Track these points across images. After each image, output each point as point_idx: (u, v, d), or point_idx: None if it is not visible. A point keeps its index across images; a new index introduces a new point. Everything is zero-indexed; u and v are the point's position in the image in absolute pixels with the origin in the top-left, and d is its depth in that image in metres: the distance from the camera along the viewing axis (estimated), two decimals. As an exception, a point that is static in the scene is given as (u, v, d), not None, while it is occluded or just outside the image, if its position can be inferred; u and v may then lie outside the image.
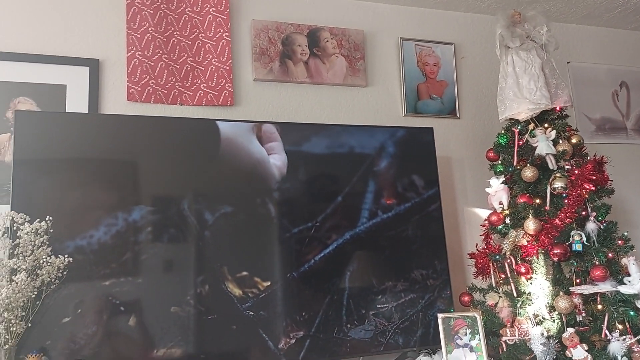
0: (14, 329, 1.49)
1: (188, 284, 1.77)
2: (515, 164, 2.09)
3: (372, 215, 2.03)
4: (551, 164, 2.03)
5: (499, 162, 2.16)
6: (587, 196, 1.95)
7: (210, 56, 2.24)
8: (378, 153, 2.11)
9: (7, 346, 1.49)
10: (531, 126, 2.09)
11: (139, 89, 2.12)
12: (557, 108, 2.13)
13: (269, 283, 1.86)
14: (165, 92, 2.16)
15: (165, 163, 1.84)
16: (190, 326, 1.74)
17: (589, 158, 2.06)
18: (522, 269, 1.93)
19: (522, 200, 2.00)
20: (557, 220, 1.93)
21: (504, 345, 1.89)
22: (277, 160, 1.96)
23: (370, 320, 1.95)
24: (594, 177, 1.96)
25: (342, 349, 1.90)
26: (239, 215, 1.88)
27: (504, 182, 2.08)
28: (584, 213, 1.95)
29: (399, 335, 1.97)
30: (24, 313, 1.51)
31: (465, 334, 1.85)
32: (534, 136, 2.07)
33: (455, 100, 2.58)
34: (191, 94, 2.20)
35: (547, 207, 1.99)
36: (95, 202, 1.72)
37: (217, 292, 1.79)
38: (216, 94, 2.22)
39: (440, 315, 1.88)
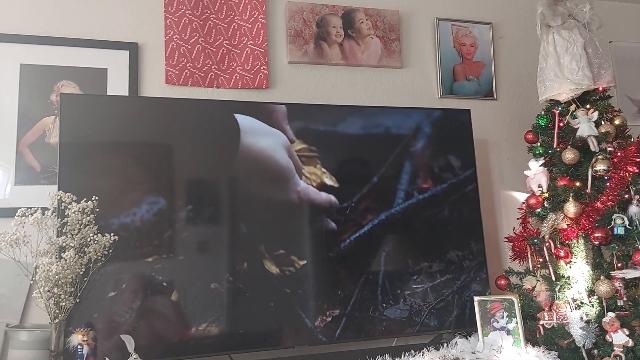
0: (64, 304, 1.55)
1: (227, 261, 1.81)
2: (555, 146, 2.05)
3: (407, 196, 2.03)
4: (593, 146, 1.99)
5: (538, 144, 2.13)
6: (630, 179, 1.90)
7: (246, 39, 2.26)
8: (414, 134, 2.09)
9: (57, 320, 1.56)
10: (572, 107, 2.05)
11: (177, 72, 2.15)
12: (600, 89, 2.07)
13: (305, 262, 1.88)
14: (202, 75, 2.18)
15: (203, 144, 1.87)
16: (230, 302, 1.78)
17: (632, 140, 2.01)
18: (562, 253, 1.90)
19: (562, 183, 1.97)
20: (598, 204, 1.89)
21: (541, 329, 1.87)
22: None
23: (405, 300, 1.96)
24: (638, 160, 1.91)
25: (378, 328, 1.91)
26: (275, 194, 1.90)
27: (543, 165, 2.05)
28: (626, 196, 1.90)
29: (434, 316, 1.97)
30: (72, 289, 1.57)
31: (502, 317, 1.85)
32: (575, 117, 2.02)
33: (492, 82, 2.53)
34: (227, 76, 2.22)
35: (589, 190, 1.95)
36: (137, 181, 1.77)
37: (255, 270, 1.82)
38: (251, 76, 2.24)
39: (476, 298, 1.88)
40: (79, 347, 1.52)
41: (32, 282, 1.58)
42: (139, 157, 1.80)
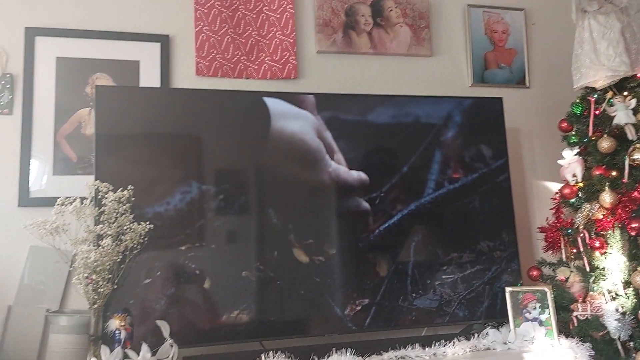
0: (102, 290, 1.59)
1: (257, 250, 1.83)
2: (590, 134, 2.00)
3: (438, 185, 2.01)
4: (630, 134, 1.93)
5: (573, 132, 2.08)
6: (669, 168, 1.85)
7: (274, 29, 2.26)
8: (445, 123, 2.07)
9: (96, 306, 1.60)
10: (609, 94, 2.00)
11: (207, 64, 2.17)
12: (638, 75, 2.01)
13: (335, 251, 1.89)
14: (232, 66, 2.20)
15: (233, 132, 1.89)
16: (260, 290, 1.81)
17: (671, 127, 1.95)
18: (597, 244, 1.86)
19: (597, 173, 1.93)
20: (635, 193, 1.85)
21: (575, 321, 1.85)
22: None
23: (435, 291, 1.95)
24: (678, 148, 1.86)
25: (408, 317, 1.91)
26: (305, 184, 1.91)
27: (578, 154, 2.01)
28: (665, 186, 1.85)
29: (465, 306, 1.96)
30: (110, 275, 1.61)
31: (535, 308, 1.83)
32: (612, 105, 1.97)
33: (524, 69, 2.48)
34: (256, 67, 2.23)
35: (625, 180, 1.90)
36: (170, 171, 1.80)
37: (285, 259, 1.84)
38: (280, 67, 2.24)
39: (508, 289, 1.86)
40: (116, 331, 1.56)
41: (71, 269, 1.63)
42: (171, 147, 1.83)
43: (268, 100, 1.93)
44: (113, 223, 1.62)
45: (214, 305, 1.77)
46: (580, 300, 1.85)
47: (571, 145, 2.05)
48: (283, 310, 1.82)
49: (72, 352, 1.71)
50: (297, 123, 1.93)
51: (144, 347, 1.52)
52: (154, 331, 1.63)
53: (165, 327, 1.62)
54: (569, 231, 1.95)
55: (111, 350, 1.50)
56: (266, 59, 2.24)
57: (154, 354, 1.55)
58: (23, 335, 1.79)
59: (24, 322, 1.80)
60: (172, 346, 1.60)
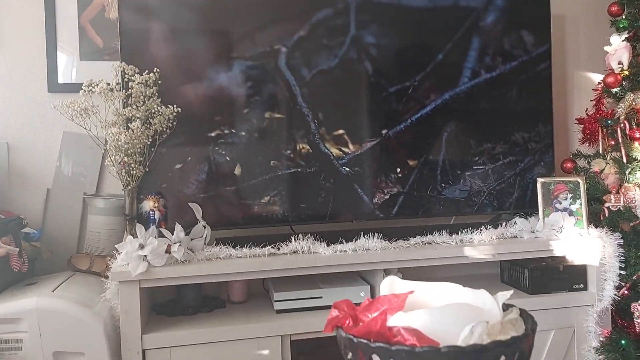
0: (134, 172, 1.62)
1: (287, 139, 1.82)
2: (643, 17, 1.85)
3: (474, 74, 1.93)
4: (687, 16, 1.78)
5: (623, 16, 1.93)
6: None
7: None
8: (485, 6, 1.94)
9: (129, 187, 1.64)
10: (667, -28, 1.81)
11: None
12: None
13: (364, 141, 1.87)
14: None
15: (264, 17, 1.81)
16: (290, 179, 1.82)
17: None
18: (637, 134, 1.79)
19: (646, 59, 1.81)
20: (685, 81, 1.74)
21: (606, 211, 1.83)
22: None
23: (465, 181, 1.93)
24: None
25: (436, 206, 1.92)
26: (335, 72, 1.85)
27: (627, 40, 1.87)
28: None
29: (494, 197, 1.95)
30: (141, 158, 1.63)
31: (566, 199, 1.80)
32: (670, -16, 1.80)
33: (576, -52, 2.26)
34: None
35: (676, 67, 1.78)
36: (198, 55, 1.76)
37: (314, 148, 1.83)
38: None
39: (540, 180, 1.83)
40: (151, 212, 1.61)
41: (103, 151, 1.66)
42: (198, 30, 1.77)
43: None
44: (141, 106, 1.62)
45: (245, 191, 1.80)
46: (613, 192, 1.81)
47: (620, 31, 1.91)
48: (312, 198, 1.84)
49: (110, 233, 1.79)
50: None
51: (178, 227, 1.57)
52: (187, 215, 1.68)
53: (197, 209, 1.66)
54: (609, 122, 1.87)
55: (146, 229, 1.55)
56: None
57: (187, 234, 1.61)
58: (63, 217, 1.87)
59: (62, 205, 1.88)
60: (205, 227, 1.65)
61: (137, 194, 1.67)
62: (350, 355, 0.73)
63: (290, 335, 1.61)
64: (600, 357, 1.69)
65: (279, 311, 1.67)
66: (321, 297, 1.69)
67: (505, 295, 0.76)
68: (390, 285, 0.80)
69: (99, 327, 1.42)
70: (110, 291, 1.51)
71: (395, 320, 0.71)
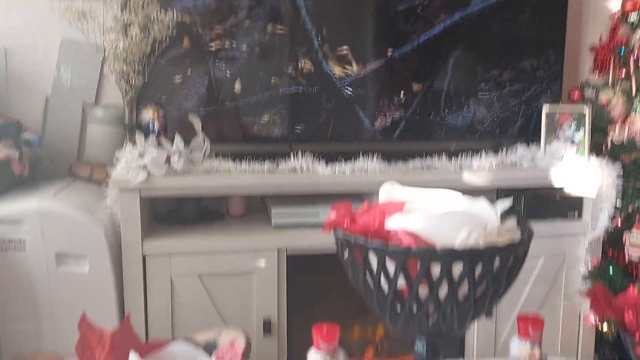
0: (133, 81, 1.60)
1: (289, 55, 1.77)
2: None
3: (487, -6, 1.85)
4: None
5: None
6: None
7: None
8: None
9: (128, 97, 1.62)
10: None
11: None
12: None
13: (369, 62, 1.82)
14: None
15: None
16: (291, 98, 1.79)
17: None
18: (649, 64, 1.74)
19: (667, -15, 1.73)
20: None
21: (608, 143, 1.81)
22: None
23: (469, 107, 1.90)
24: None
25: (437, 132, 1.90)
26: (343, -14, 1.77)
27: (650, -36, 1.78)
28: None
29: (497, 125, 1.93)
30: (140, 67, 1.60)
31: (570, 127, 1.79)
32: None
33: None
34: None
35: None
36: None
37: (316, 67, 1.79)
38: None
39: (545, 106, 1.81)
40: (150, 122, 1.59)
41: (102, 58, 1.63)
42: None
43: None
44: (140, 11, 1.56)
45: (244, 107, 1.77)
46: (619, 123, 1.79)
47: (644, -46, 1.81)
48: (312, 118, 1.82)
49: (110, 143, 1.78)
50: None
51: (177, 137, 1.56)
52: (186, 129, 1.66)
53: (197, 122, 1.65)
54: (622, 51, 1.82)
55: (145, 139, 1.54)
56: None
57: (186, 145, 1.60)
58: (62, 126, 1.85)
59: (61, 113, 1.85)
60: (204, 140, 1.64)
61: (137, 104, 1.65)
62: (346, 255, 0.75)
63: (286, 249, 1.65)
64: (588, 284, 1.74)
65: (277, 226, 1.70)
66: (318, 215, 1.71)
67: (504, 204, 0.76)
68: (388, 192, 0.80)
69: (100, 232, 1.45)
70: (111, 198, 1.53)
71: (393, 223, 0.72)
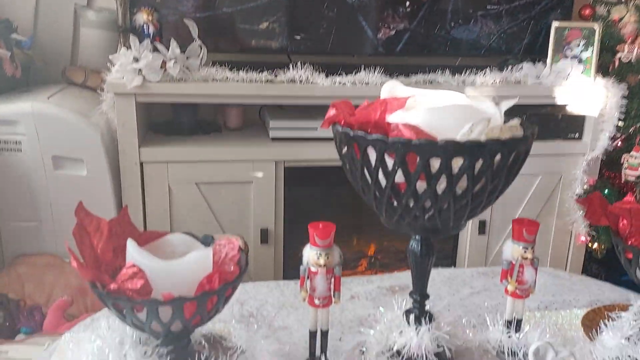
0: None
1: (291, -41, 1.69)
2: None
3: None
4: None
5: None
6: None
7: None
8: None
9: (121, -2, 1.55)
10: None
11: None
12: None
13: (374, -32, 1.73)
14: None
15: None
16: (291, 5, 1.72)
17: None
18: (668, -20, 1.66)
19: None
20: None
21: (616, 62, 1.77)
22: None
23: (476, 21, 1.84)
24: None
25: (442, 46, 1.85)
26: None
27: None
28: None
29: (504, 40, 1.87)
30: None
31: (578, 46, 1.73)
32: None
33: None
34: None
35: None
36: None
37: (320, -30, 1.70)
38: None
39: (555, 23, 1.74)
40: (144, 26, 1.53)
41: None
42: None
43: None
44: None
45: (243, 14, 1.70)
46: (629, 42, 1.74)
47: None
48: (313, 28, 1.75)
49: (104, 47, 1.73)
50: None
51: (173, 43, 1.51)
52: (182, 35, 1.60)
53: (193, 27, 1.58)
54: (641, -36, 1.73)
55: (140, 43, 1.49)
56: None
57: (182, 52, 1.55)
58: (54, 28, 1.78)
59: (53, 14, 1.78)
60: (200, 47, 1.59)
61: (130, 7, 1.58)
62: (345, 150, 0.74)
63: (284, 161, 1.65)
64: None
65: (274, 139, 1.68)
66: (316, 129, 1.69)
67: (509, 102, 0.74)
68: (390, 90, 0.78)
69: (96, 136, 1.43)
70: (107, 104, 1.50)
71: (394, 118, 0.70)
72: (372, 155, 0.69)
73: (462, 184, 0.68)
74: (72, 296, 1.41)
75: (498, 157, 0.67)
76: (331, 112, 0.76)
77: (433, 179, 0.67)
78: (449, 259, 1.86)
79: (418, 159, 0.66)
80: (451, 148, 0.64)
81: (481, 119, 0.66)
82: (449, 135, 0.66)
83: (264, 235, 1.67)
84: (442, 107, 0.70)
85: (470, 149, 0.65)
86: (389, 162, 0.68)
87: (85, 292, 1.42)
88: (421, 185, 0.68)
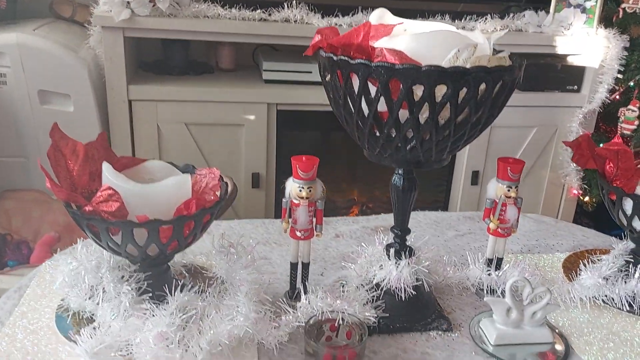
0: None
1: None
2: None
3: None
4: None
5: None
6: None
7: None
8: None
9: None
10: None
11: None
12: None
13: None
14: None
15: None
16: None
17: None
18: None
19: None
20: None
21: (620, 13, 1.72)
22: None
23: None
24: None
25: None
26: None
27: None
28: None
29: (507, -13, 1.81)
30: None
31: (583, -7, 1.68)
32: None
33: None
34: None
35: None
36: None
37: None
38: None
39: (560, -31, 1.68)
40: (134, -43, 1.47)
41: None
42: None
43: None
44: None
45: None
46: (635, -9, 1.68)
47: None
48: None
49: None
50: None
51: None
52: None
53: None
54: None
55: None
56: None
57: None
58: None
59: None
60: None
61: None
62: (328, 77, 0.72)
63: (277, 104, 1.62)
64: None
65: (267, 81, 1.65)
66: (310, 72, 1.66)
67: (498, 34, 0.72)
68: (379, 17, 0.75)
69: (84, 71, 1.40)
70: (94, 38, 1.46)
71: (380, 44, 0.68)
72: (356, 83, 0.67)
73: (445, 114, 0.66)
74: (60, 233, 1.41)
75: (483, 86, 0.65)
76: (316, 37, 0.74)
77: (416, 106, 0.65)
78: (441, 210, 1.86)
79: (401, 86, 0.64)
80: (435, 74, 0.62)
81: (467, 44, 0.63)
82: (436, 60, 0.64)
83: (256, 180, 1.66)
84: (429, 32, 0.67)
85: (454, 76, 0.62)
86: (372, 90, 0.66)
87: (72, 230, 1.42)
88: (404, 115, 0.67)
